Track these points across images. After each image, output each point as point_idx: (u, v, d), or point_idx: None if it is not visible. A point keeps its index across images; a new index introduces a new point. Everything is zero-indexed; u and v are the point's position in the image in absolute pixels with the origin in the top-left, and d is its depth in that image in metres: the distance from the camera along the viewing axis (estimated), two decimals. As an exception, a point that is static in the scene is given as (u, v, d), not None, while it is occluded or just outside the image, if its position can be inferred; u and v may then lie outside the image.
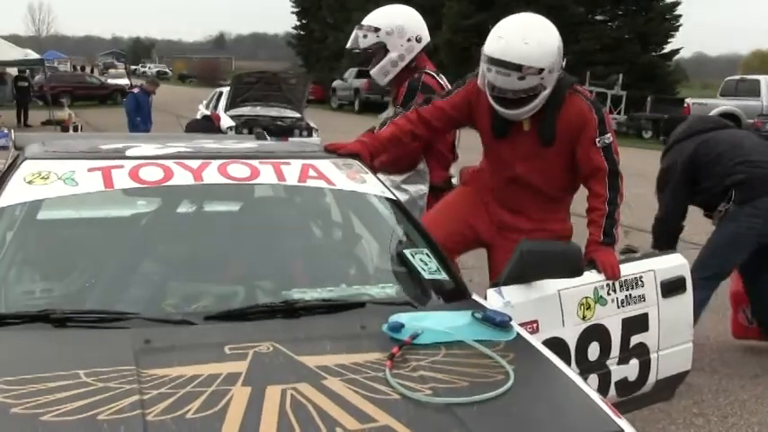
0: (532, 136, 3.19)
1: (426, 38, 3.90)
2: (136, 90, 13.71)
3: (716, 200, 4.48)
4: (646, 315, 3.07)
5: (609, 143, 3.17)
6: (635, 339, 3.05)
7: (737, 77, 24.34)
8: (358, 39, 3.87)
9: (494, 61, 2.98)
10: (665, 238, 4.50)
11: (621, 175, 3.20)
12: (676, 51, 32.85)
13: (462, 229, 3.37)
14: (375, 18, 3.84)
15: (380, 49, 3.81)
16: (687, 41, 44.68)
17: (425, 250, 2.60)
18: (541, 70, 2.97)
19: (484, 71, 3.07)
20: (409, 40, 3.81)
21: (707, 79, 52.04)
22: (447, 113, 3.31)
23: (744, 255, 4.44)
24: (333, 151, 3.04)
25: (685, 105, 22.70)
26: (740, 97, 21.98)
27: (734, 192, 4.37)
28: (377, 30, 3.79)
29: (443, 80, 3.88)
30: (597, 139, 3.15)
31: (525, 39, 2.98)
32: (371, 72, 3.91)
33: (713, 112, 21.40)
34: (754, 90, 21.88)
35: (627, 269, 3.06)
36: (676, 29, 31.75)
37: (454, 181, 3.89)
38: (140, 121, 13.19)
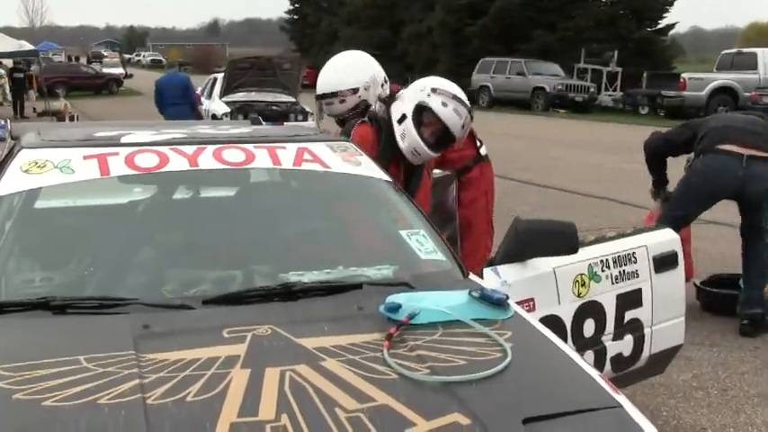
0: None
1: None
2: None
3: None
4: (639, 290, 3.10)
5: None
6: (629, 315, 3.07)
7: (734, 51, 24.19)
8: (333, 106, 3.57)
9: (455, 96, 3.21)
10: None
11: None
12: (672, 26, 32.74)
13: None
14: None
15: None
16: (682, 16, 44.52)
17: (421, 231, 2.61)
18: None
19: (437, 108, 3.20)
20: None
21: (704, 54, 51.88)
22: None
23: (698, 204, 4.89)
24: None
25: (681, 80, 22.64)
26: (737, 71, 21.88)
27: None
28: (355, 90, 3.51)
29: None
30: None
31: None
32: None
33: (710, 87, 21.39)
34: (750, 63, 21.75)
35: (620, 245, 3.08)
36: (671, 3, 31.61)
37: None
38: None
